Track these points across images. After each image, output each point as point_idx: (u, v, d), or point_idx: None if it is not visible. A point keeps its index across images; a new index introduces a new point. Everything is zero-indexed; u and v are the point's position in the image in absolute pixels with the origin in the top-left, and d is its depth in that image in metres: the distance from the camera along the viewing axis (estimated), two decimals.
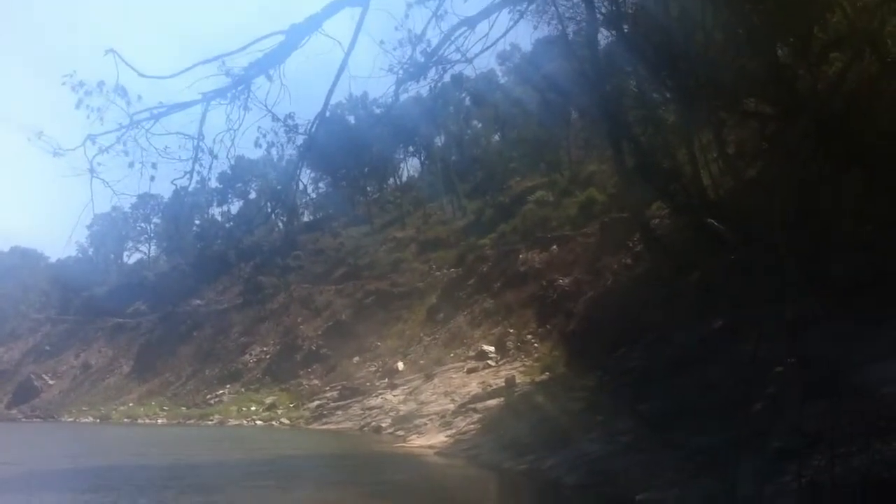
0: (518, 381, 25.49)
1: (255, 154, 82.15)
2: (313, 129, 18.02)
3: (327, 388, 44.75)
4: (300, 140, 18.26)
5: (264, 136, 18.08)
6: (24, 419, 65.98)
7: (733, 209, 19.72)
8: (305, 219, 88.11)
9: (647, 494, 10.93)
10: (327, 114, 18.97)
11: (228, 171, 78.99)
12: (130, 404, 62.76)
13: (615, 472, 12.48)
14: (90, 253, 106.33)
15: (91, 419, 59.81)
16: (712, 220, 18.61)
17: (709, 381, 13.71)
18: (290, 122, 17.79)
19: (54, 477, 18.63)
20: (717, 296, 16.51)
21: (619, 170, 23.59)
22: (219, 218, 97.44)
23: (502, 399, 23.55)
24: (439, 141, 76.94)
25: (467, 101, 68.85)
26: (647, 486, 11.21)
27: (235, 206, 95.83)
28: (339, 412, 37.92)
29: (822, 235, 14.34)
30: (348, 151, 63.09)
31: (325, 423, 37.07)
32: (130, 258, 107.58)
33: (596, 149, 44.05)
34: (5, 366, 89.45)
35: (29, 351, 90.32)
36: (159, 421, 53.01)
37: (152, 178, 16.20)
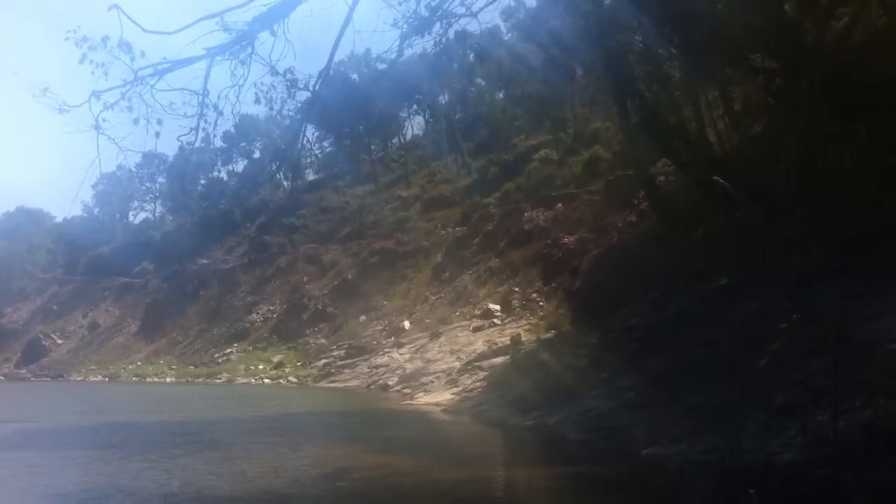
0: (523, 339, 25.60)
1: (260, 112, 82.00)
2: (317, 86, 17.98)
3: (334, 346, 45.02)
4: (303, 97, 18.23)
5: (265, 92, 18.02)
6: (32, 378, 66.45)
7: (739, 165, 19.66)
8: (310, 178, 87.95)
9: (651, 449, 11.04)
10: (331, 70, 18.95)
11: (232, 131, 78.92)
12: (139, 363, 63.27)
13: (620, 428, 12.61)
14: (96, 212, 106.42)
15: (100, 378, 60.31)
16: (718, 177, 18.55)
17: (713, 337, 13.77)
18: (290, 76, 17.72)
19: (66, 434, 18.87)
20: (722, 253, 16.51)
21: (624, 127, 23.50)
22: (224, 177, 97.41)
23: (508, 357, 23.68)
24: (443, 99, 76.55)
25: (471, 58, 68.35)
26: (652, 441, 11.32)
27: (240, 166, 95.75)
28: (346, 370, 38.19)
29: (829, 191, 14.31)
30: (352, 109, 62.64)
31: (333, 382, 37.35)
32: (136, 218, 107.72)
33: (601, 106, 43.80)
34: (14, 325, 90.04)
35: (36, 310, 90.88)
36: (168, 380, 53.45)
37: (157, 135, 16.20)
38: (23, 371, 71.78)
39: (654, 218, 23.75)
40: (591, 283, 22.83)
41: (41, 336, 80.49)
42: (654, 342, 15.58)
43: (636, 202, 27.31)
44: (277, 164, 27.35)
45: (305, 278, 60.66)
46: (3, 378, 69.03)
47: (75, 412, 26.37)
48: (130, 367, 62.71)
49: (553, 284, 31.66)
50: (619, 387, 14.62)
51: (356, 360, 39.09)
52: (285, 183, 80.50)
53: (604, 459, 11.53)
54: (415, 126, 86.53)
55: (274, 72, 16.90)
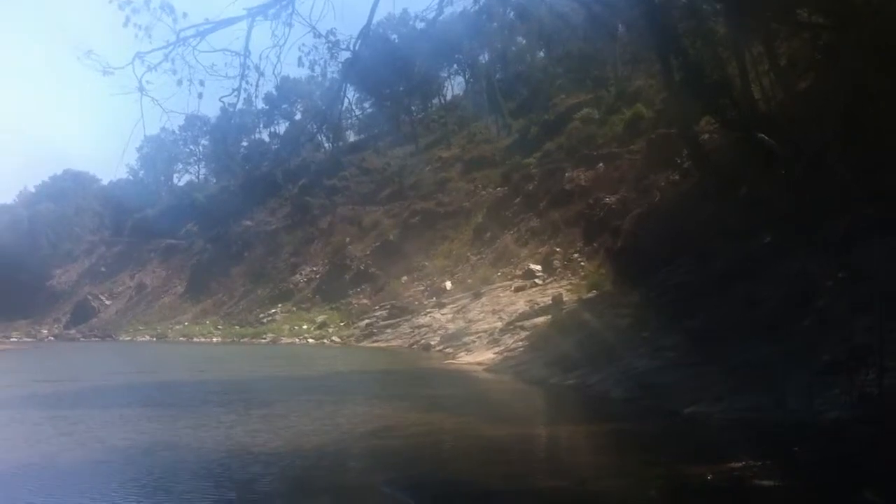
0: (565, 298, 25.66)
1: (301, 74, 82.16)
2: (357, 46, 18.01)
3: (376, 307, 45.35)
4: (343, 57, 18.27)
5: (307, 53, 18.11)
6: (82, 339, 67.85)
7: (784, 122, 19.38)
8: (351, 139, 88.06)
9: (694, 408, 11.09)
10: (371, 30, 18.93)
11: (274, 93, 79.08)
12: (185, 323, 64.33)
13: (662, 387, 12.65)
14: (141, 175, 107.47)
15: (148, 338, 61.44)
16: (762, 135, 18.30)
17: (756, 296, 13.73)
18: (332, 38, 17.78)
19: (118, 393, 19.32)
20: (766, 211, 16.38)
21: (667, 84, 23.23)
22: (266, 139, 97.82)
23: (549, 317, 23.75)
24: (483, 58, 75.96)
25: (511, 16, 67.65)
26: (694, 399, 11.36)
27: (282, 128, 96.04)
28: (389, 330, 38.52)
29: (875, 147, 14.10)
30: (392, 70, 62.53)
31: (375, 341, 37.72)
32: (180, 180, 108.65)
33: (643, 63, 43.19)
34: (63, 287, 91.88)
35: (85, 272, 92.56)
36: (214, 339, 54.29)
37: (200, 96, 16.38)
38: (72, 331, 73.31)
39: (697, 176, 23.54)
40: (633, 242, 22.76)
41: (90, 297, 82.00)
42: (697, 301, 15.56)
43: (679, 161, 27.06)
44: (318, 125, 27.56)
45: (347, 239, 61.02)
46: (53, 338, 70.66)
47: (125, 371, 26.98)
48: (177, 327, 63.82)
49: (594, 244, 31.57)
50: (661, 346, 14.66)
51: (398, 320, 39.39)
52: (326, 144, 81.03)
53: (646, 417, 11.59)
54: (455, 86, 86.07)
55: (316, 33, 16.99)
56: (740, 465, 7.71)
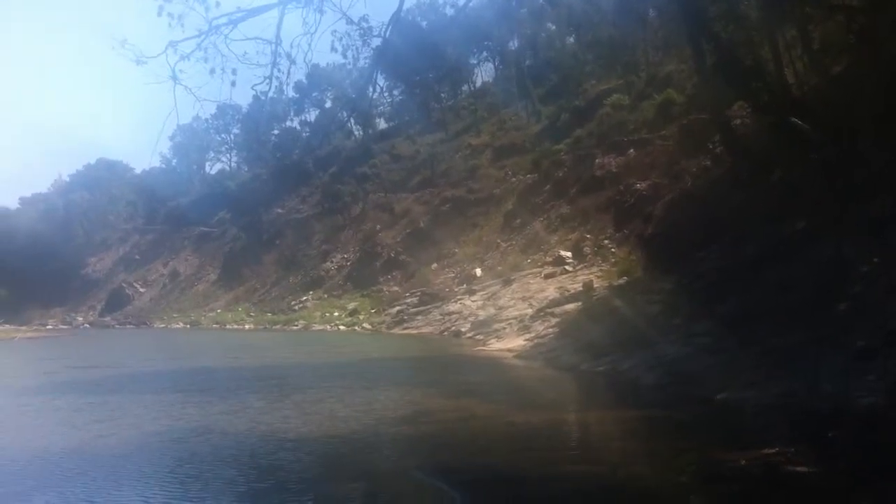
0: (595, 285, 25.58)
1: (331, 60, 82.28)
2: (387, 32, 18.05)
3: (407, 294, 45.50)
4: (375, 44, 18.32)
5: (340, 39, 18.19)
6: (117, 326, 68.71)
7: (818, 107, 19.16)
8: (381, 127, 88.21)
9: (726, 394, 11.03)
10: (401, 16, 18.94)
11: (304, 81, 79.35)
12: (218, 310, 64.97)
13: (693, 373, 12.59)
14: (174, 163, 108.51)
15: (181, 325, 62.14)
16: (796, 119, 18.12)
17: (789, 281, 13.62)
18: (364, 24, 17.84)
19: (153, 379, 19.60)
20: (800, 196, 16.23)
21: (699, 69, 23.04)
22: (296, 127, 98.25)
23: (580, 303, 23.70)
24: (513, 45, 75.80)
25: (541, 2, 67.34)
26: (727, 385, 11.30)
27: (312, 116, 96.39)
28: (420, 317, 38.62)
29: None
30: (422, 57, 62.48)
31: (406, 328, 37.84)
32: (212, 168, 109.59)
33: (674, 48, 42.91)
34: (98, 275, 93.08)
35: (119, 260, 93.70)
36: (246, 326, 54.76)
37: (233, 84, 16.58)
38: (107, 319, 74.29)
39: (729, 162, 23.34)
40: (665, 228, 22.62)
41: (124, 285, 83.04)
42: (730, 287, 15.45)
43: (711, 146, 26.85)
44: (349, 113, 27.65)
45: (378, 227, 61.24)
46: (88, 326, 71.63)
47: (160, 358, 27.34)
48: (210, 314, 64.47)
49: (625, 231, 31.43)
50: (692, 332, 14.58)
51: (429, 307, 39.48)
52: (357, 132, 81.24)
53: (677, 403, 11.55)
54: (484, 73, 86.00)
55: (348, 19, 17.05)
56: (774, 451, 7.67)
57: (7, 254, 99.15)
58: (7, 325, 52.80)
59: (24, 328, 58.11)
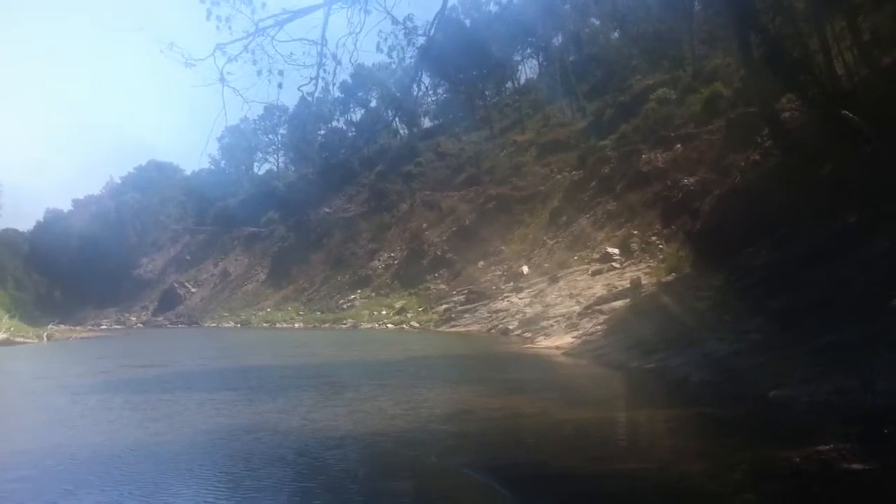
0: (643, 282, 25.45)
1: (376, 59, 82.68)
2: (432, 31, 18.15)
3: (454, 291, 45.62)
4: (419, 42, 18.44)
5: (385, 39, 18.36)
6: (169, 325, 69.88)
7: (868, 99, 18.86)
8: (426, 125, 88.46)
9: (778, 391, 10.93)
10: (445, 13, 19.04)
11: (349, 81, 79.91)
12: (268, 309, 65.72)
13: (745, 370, 12.48)
14: (222, 165, 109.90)
15: (232, 324, 62.96)
16: (846, 112, 17.87)
17: (842, 277, 13.46)
18: (408, 23, 17.97)
19: (205, 377, 19.91)
20: (851, 190, 16.02)
21: (746, 62, 22.80)
22: (342, 127, 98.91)
23: (628, 300, 23.62)
24: (557, 41, 75.53)
25: None
26: (779, 383, 11.19)
27: (357, 115, 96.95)
28: (467, 315, 38.71)
29: None
30: (466, 54, 62.61)
31: (454, 326, 37.94)
32: (260, 169, 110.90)
33: (720, 41, 42.45)
34: (150, 275, 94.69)
35: (171, 260, 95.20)
36: (296, 325, 55.29)
37: (280, 85, 16.86)
38: (159, 318, 75.57)
39: (778, 156, 23.07)
40: (713, 224, 22.45)
41: (176, 285, 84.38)
42: (780, 283, 15.30)
43: (759, 140, 26.54)
44: (394, 112, 27.85)
45: (424, 225, 61.43)
46: (141, 325, 72.91)
47: (212, 357, 27.72)
48: (260, 313, 65.24)
49: (673, 227, 31.23)
50: (743, 329, 14.45)
51: (476, 304, 39.56)
52: (402, 131, 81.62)
53: (728, 401, 11.47)
54: (528, 70, 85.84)
55: (393, 19, 17.20)
56: (827, 448, 7.61)
57: (61, 255, 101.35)
58: (62, 326, 53.87)
59: (78, 328, 59.23)
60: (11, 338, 38.38)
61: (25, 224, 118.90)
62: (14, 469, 8.65)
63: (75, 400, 14.86)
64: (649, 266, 29.48)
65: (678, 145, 37.93)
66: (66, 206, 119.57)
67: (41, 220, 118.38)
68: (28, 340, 39.89)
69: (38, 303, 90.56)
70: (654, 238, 33.29)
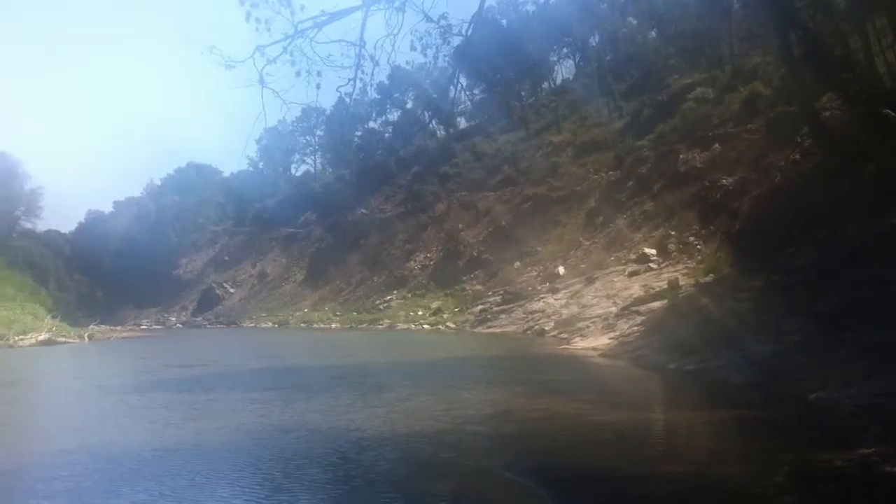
0: (681, 283, 25.25)
1: (412, 59, 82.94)
2: (469, 31, 18.19)
3: (490, 292, 45.60)
4: (456, 42, 18.49)
5: (420, 38, 18.44)
6: (208, 325, 70.60)
7: None
8: (462, 126, 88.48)
9: (820, 393, 10.81)
10: (481, 14, 19.07)
11: (386, 82, 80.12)
12: (305, 310, 66.16)
13: (786, 372, 12.36)
14: (260, 166, 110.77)
15: (270, 325, 63.43)
16: (888, 110, 17.62)
17: (886, 277, 13.27)
18: (444, 22, 18.03)
19: (244, 377, 20.12)
20: (893, 189, 15.79)
21: (786, 61, 22.53)
22: (378, 128, 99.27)
23: (665, 301, 23.43)
24: (594, 40, 75.18)
25: None
26: (821, 385, 11.07)
27: (393, 116, 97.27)
28: (503, 316, 38.65)
29: None
30: (502, 55, 62.54)
31: (490, 327, 37.90)
32: (297, 170, 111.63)
33: (760, 40, 42.03)
34: (189, 276, 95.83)
35: (210, 261, 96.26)
36: (333, 325, 55.56)
37: (318, 87, 17.00)
38: (198, 319, 76.43)
39: (819, 155, 22.79)
40: (753, 224, 22.25)
41: (214, 285, 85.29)
42: (823, 283, 15.11)
43: (799, 139, 26.23)
44: (430, 114, 27.91)
45: (460, 225, 61.46)
46: (180, 325, 73.75)
47: (250, 357, 28.02)
48: (298, 313, 65.69)
49: (711, 227, 30.97)
50: (784, 330, 14.28)
51: (512, 305, 39.48)
52: (439, 132, 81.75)
53: (769, 403, 11.36)
54: (565, 70, 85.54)
55: (428, 19, 17.26)
56: (870, 451, 7.52)
57: (102, 256, 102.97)
58: (103, 326, 54.58)
59: (119, 328, 60.06)
60: (54, 338, 38.98)
61: (67, 226, 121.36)
62: (56, 468, 8.78)
63: (117, 399, 15.08)
64: (687, 267, 29.25)
65: (716, 145, 37.61)
66: (107, 208, 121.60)
67: (83, 221, 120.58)
68: (70, 340, 40.50)
69: (79, 303, 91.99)
70: (691, 238, 33.02)
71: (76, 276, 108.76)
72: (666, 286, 25.69)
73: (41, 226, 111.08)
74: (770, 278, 17.97)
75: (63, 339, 39.75)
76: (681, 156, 40.08)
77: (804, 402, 10.72)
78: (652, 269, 32.24)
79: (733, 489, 6.95)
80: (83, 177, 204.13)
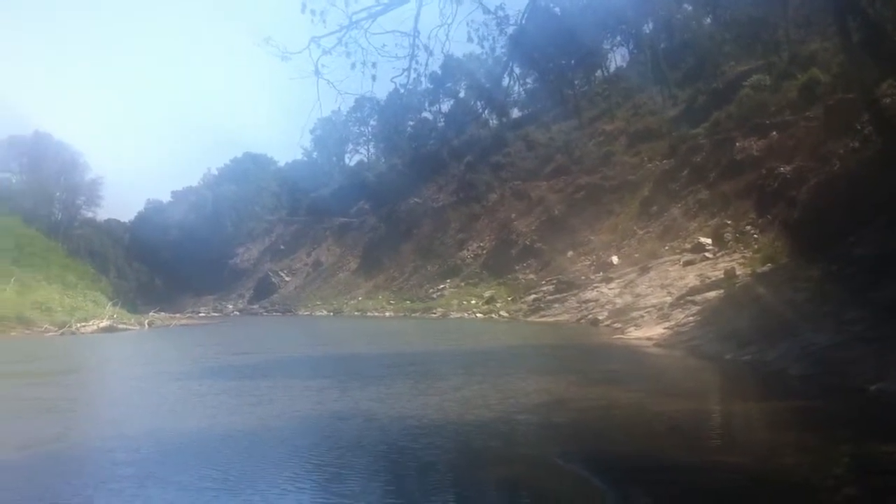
0: (738, 272, 24.99)
1: (466, 48, 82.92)
2: (524, 20, 18.19)
3: (543, 281, 45.53)
4: (510, 31, 18.50)
5: (475, 29, 18.48)
6: (264, 313, 71.60)
7: None
8: (514, 115, 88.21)
9: (881, 384, 10.67)
10: (535, 3, 19.05)
11: (438, 72, 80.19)
12: (359, 298, 66.75)
13: (845, 363, 12.20)
14: (314, 156, 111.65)
15: (324, 313, 64.12)
16: None
17: None
18: (500, 13, 18.05)
19: (300, 365, 20.36)
20: None
21: (845, 47, 22.14)
22: (430, 118, 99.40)
23: (721, 291, 23.20)
24: (648, 28, 74.38)
25: None
26: (882, 375, 10.92)
27: (446, 106, 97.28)
28: (556, 305, 38.59)
29: None
30: (555, 44, 62.17)
31: (543, 316, 37.87)
32: (351, 160, 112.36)
33: (817, 25, 41.26)
34: (246, 264, 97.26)
35: (265, 250, 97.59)
36: (386, 314, 55.97)
37: (374, 78, 17.15)
38: (255, 306, 77.58)
39: (879, 143, 22.34)
40: (811, 212, 21.87)
41: (270, 274, 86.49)
42: (883, 272, 14.84)
43: (859, 127, 25.71)
44: (483, 103, 27.94)
45: (513, 215, 61.42)
46: (237, 313, 74.92)
47: (306, 344, 28.41)
48: (352, 302, 66.30)
49: (768, 216, 30.53)
50: (844, 320, 14.07)
51: (565, 294, 39.39)
52: (491, 121, 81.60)
53: (828, 395, 11.24)
54: (618, 58, 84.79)
55: (484, 9, 17.31)
56: None
57: (161, 245, 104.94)
58: (162, 313, 55.65)
59: (178, 316, 61.12)
60: (115, 325, 39.84)
61: (127, 215, 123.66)
62: (120, 454, 9.01)
63: (179, 386, 15.37)
64: (743, 256, 28.90)
65: (773, 132, 37.04)
66: (165, 198, 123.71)
67: (142, 210, 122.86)
68: (130, 327, 41.35)
69: (139, 291, 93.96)
70: (748, 228, 32.60)
71: (135, 264, 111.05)
72: (722, 276, 25.44)
73: (101, 215, 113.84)
74: (829, 268, 17.70)
75: (123, 327, 40.59)
76: (737, 144, 39.55)
77: (864, 394, 10.60)
78: (707, 258, 31.91)
79: (791, 480, 6.92)
80: (142, 167, 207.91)
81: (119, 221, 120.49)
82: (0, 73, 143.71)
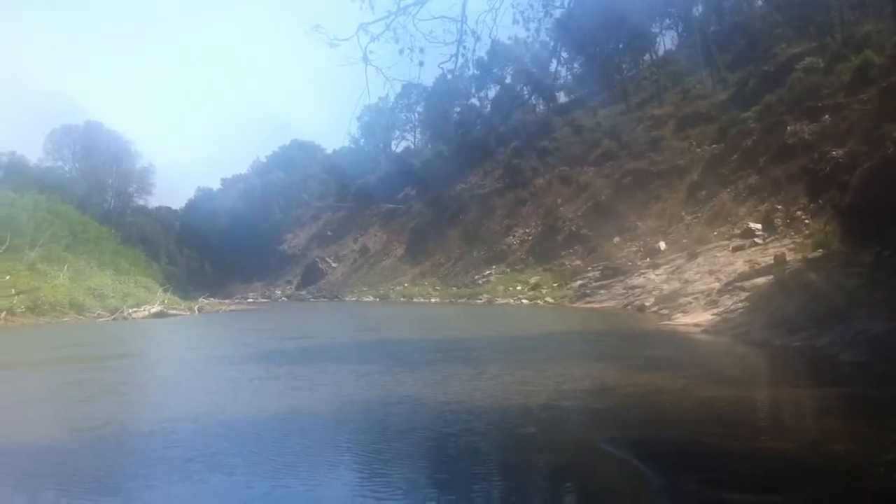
0: (788, 258, 24.66)
1: (511, 34, 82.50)
2: (570, 2, 18.08)
3: (589, 267, 45.36)
4: (557, 15, 18.39)
5: (522, 12, 18.44)
6: (312, 299, 72.28)
7: None
8: (561, 100, 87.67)
9: None
10: None
11: (485, 57, 79.96)
12: (406, 284, 67.07)
13: None
14: (361, 143, 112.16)
15: (371, 299, 64.50)
16: None
17: None
18: None
19: (348, 350, 20.53)
20: None
21: None
22: (477, 104, 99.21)
23: (771, 277, 22.91)
24: (697, 10, 73.45)
25: None
26: None
27: (492, 92, 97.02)
28: (602, 291, 38.44)
29: None
30: (603, 27, 61.65)
31: (589, 302, 37.75)
32: (398, 147, 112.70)
33: (872, 6, 40.46)
34: (293, 250, 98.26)
35: (313, 236, 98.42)
36: (432, 300, 56.16)
37: (421, 64, 17.17)
38: (302, 292, 78.37)
39: None
40: (864, 197, 21.47)
41: (318, 260, 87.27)
42: None
43: None
44: (529, 87, 27.86)
45: (559, 200, 61.17)
46: (285, 299, 75.70)
47: (354, 330, 28.61)
48: (398, 288, 66.63)
49: (820, 201, 30.10)
50: None
51: (611, 280, 39.22)
52: (538, 106, 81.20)
53: (880, 382, 11.07)
54: (667, 41, 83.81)
55: None
56: None
57: (211, 232, 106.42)
58: (212, 299, 56.36)
59: (227, 301, 61.83)
60: (166, 310, 40.42)
61: (177, 202, 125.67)
62: (172, 437, 9.13)
63: (230, 370, 15.55)
64: (794, 242, 28.53)
65: (826, 116, 36.44)
66: (215, 185, 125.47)
67: (192, 198, 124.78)
68: (181, 313, 41.93)
69: (189, 277, 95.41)
70: (799, 213, 32.17)
71: (186, 250, 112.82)
72: (772, 261, 25.12)
73: (152, 202, 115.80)
74: (881, 253, 17.40)
75: (174, 312, 41.17)
76: (788, 128, 38.97)
77: None
78: (757, 244, 31.55)
79: (842, 467, 6.84)
80: (192, 155, 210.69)
81: (170, 209, 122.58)
82: (54, 63, 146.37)
